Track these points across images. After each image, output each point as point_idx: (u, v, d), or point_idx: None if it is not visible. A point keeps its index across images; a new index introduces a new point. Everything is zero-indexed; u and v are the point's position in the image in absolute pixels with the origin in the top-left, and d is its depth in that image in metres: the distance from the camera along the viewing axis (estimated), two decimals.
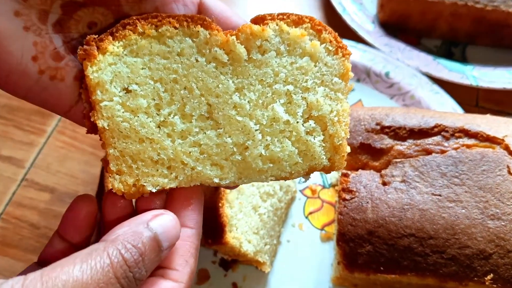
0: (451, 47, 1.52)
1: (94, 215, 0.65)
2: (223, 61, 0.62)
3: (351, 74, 0.65)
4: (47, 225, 1.21)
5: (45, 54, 0.57)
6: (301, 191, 1.24)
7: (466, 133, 1.03)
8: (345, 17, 1.51)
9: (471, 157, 0.99)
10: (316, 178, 1.26)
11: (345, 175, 1.04)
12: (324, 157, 0.65)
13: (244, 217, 1.03)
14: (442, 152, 1.01)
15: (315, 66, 0.64)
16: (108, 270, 0.50)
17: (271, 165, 0.64)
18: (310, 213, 1.21)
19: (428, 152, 1.02)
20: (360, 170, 1.05)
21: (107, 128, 0.60)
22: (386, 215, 0.96)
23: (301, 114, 0.64)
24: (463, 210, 0.94)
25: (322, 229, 1.19)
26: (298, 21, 0.64)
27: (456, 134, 1.03)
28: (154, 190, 0.62)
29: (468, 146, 1.01)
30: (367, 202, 0.98)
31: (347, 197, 1.00)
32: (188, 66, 0.62)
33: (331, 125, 0.64)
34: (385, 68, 1.39)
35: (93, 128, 0.61)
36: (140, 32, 0.60)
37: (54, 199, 1.24)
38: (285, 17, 0.64)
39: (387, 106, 1.13)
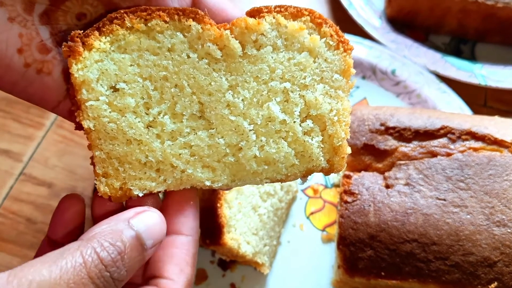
0: (460, 44, 1.48)
1: (82, 214, 0.63)
2: (216, 57, 0.59)
3: (353, 71, 0.62)
4: (44, 221, 1.19)
5: (31, 47, 0.55)
6: (302, 190, 1.22)
7: (473, 135, 1.00)
8: (352, 12, 1.47)
9: (478, 161, 0.96)
10: (318, 177, 1.24)
11: (347, 176, 1.01)
12: (323, 159, 0.62)
13: (243, 217, 1.01)
14: (448, 155, 0.99)
15: (314, 62, 0.61)
16: (81, 269, 0.47)
17: (266, 167, 0.61)
18: (312, 213, 1.19)
19: (433, 154, 0.99)
20: (362, 171, 1.02)
21: (93, 129, 0.57)
22: (389, 219, 0.93)
23: (299, 113, 0.61)
24: (468, 216, 0.91)
25: (323, 230, 1.16)
26: (296, 13, 0.61)
27: (463, 137, 1.00)
28: (141, 194, 0.60)
29: (475, 149, 0.98)
30: (369, 205, 0.96)
31: (349, 199, 0.97)
32: (179, 62, 0.59)
33: (331, 125, 0.61)
34: (391, 65, 1.36)
35: (80, 125, 0.59)
36: (128, 26, 0.57)
37: (52, 194, 1.22)
38: (282, 9, 0.61)
39: (392, 106, 1.10)
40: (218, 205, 0.94)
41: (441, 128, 1.01)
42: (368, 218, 0.94)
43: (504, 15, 1.37)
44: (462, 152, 0.98)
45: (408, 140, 1.02)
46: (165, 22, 0.58)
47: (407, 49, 1.41)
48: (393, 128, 1.03)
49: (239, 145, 0.61)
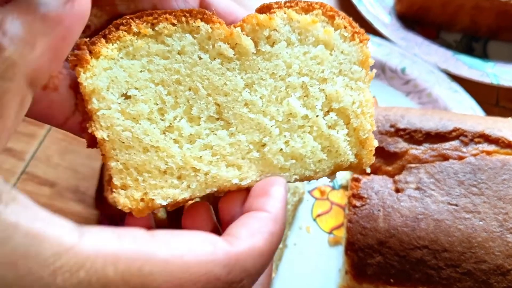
0: (472, 42, 1.45)
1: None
2: (228, 56, 0.57)
3: (371, 61, 0.60)
4: None
5: None
6: (309, 192, 1.19)
7: (486, 138, 0.97)
8: (361, 8, 1.44)
9: (491, 165, 0.93)
10: (324, 178, 1.21)
11: (356, 179, 0.98)
12: (351, 153, 0.60)
13: None
14: (460, 158, 0.96)
15: (331, 54, 0.59)
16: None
17: (294, 161, 0.59)
18: (318, 215, 1.16)
19: (445, 157, 0.97)
20: (372, 174, 0.99)
21: (107, 139, 0.55)
22: (399, 224, 0.91)
23: (321, 107, 0.59)
24: (481, 222, 0.88)
25: (330, 232, 1.14)
26: (307, 8, 0.59)
27: (476, 139, 0.97)
28: (164, 203, 0.57)
29: (488, 153, 0.95)
30: (379, 210, 0.93)
31: (358, 204, 0.95)
32: (191, 64, 0.56)
33: (355, 117, 0.60)
34: (401, 63, 1.33)
35: (92, 142, 0.56)
36: (135, 32, 0.55)
37: (54, 193, 1.20)
38: (293, 4, 0.59)
39: (402, 107, 1.07)
40: None
41: (453, 130, 0.98)
42: (377, 223, 0.92)
43: None
44: (474, 155, 0.95)
45: (419, 143, 0.99)
46: (173, 25, 0.56)
47: (417, 46, 1.37)
48: (404, 130, 1.00)
49: (263, 141, 0.59)
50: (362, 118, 0.60)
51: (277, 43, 0.58)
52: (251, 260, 0.45)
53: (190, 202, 0.62)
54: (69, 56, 0.53)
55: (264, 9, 0.59)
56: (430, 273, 0.88)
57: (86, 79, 0.53)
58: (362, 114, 0.60)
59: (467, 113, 1.23)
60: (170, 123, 0.57)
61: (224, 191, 0.59)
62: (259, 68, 0.58)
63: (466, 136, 0.97)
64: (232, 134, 0.58)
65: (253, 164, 0.59)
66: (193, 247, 0.42)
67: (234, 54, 0.57)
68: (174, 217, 0.95)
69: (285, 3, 0.59)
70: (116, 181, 0.56)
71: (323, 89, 0.59)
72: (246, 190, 0.58)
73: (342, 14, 0.60)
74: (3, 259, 0.34)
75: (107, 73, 0.54)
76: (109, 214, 1.16)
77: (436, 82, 1.30)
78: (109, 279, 0.37)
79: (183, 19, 0.56)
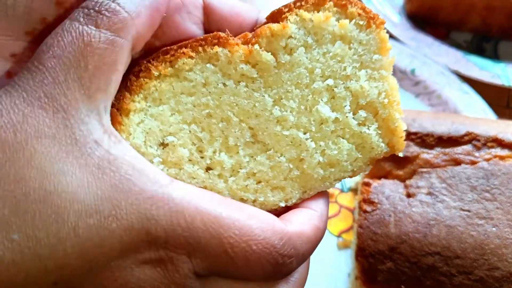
0: (483, 42, 1.43)
1: None
2: (252, 76, 0.56)
3: (390, 45, 0.58)
4: None
5: None
6: None
7: (500, 143, 0.96)
8: (369, 6, 1.42)
9: (504, 170, 0.92)
10: None
11: (366, 184, 0.97)
12: (383, 144, 0.58)
13: None
14: (473, 163, 0.94)
15: (350, 48, 0.57)
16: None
17: (332, 169, 0.58)
18: None
19: (457, 162, 0.95)
20: (382, 179, 0.98)
21: None
22: (410, 230, 0.89)
23: (349, 107, 0.58)
24: (494, 229, 0.87)
25: (339, 236, 1.13)
26: (318, 2, 0.56)
27: (488, 144, 0.96)
28: None
29: (502, 158, 0.94)
30: (390, 215, 0.92)
31: (368, 208, 0.94)
32: (218, 94, 0.55)
33: (382, 108, 0.58)
34: (411, 64, 1.31)
35: None
36: (156, 76, 0.54)
37: None
38: (303, 2, 0.56)
39: (413, 110, 1.06)
40: None
41: (466, 135, 0.97)
42: (389, 229, 0.90)
43: None
44: (487, 160, 0.94)
45: (430, 147, 0.98)
46: (191, 58, 0.55)
47: (427, 47, 1.36)
48: (415, 133, 0.99)
49: (301, 156, 0.57)
50: (389, 108, 0.58)
51: (296, 50, 0.56)
52: (300, 242, 0.49)
53: None
54: None
55: (275, 16, 0.57)
56: (442, 280, 0.87)
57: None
58: (389, 104, 0.58)
59: (477, 115, 1.21)
60: (211, 159, 0.56)
61: None
62: (283, 81, 0.56)
63: (478, 140, 0.96)
64: (271, 156, 0.57)
65: (295, 182, 0.58)
66: (257, 215, 0.48)
67: (257, 73, 0.56)
68: None
69: (294, 3, 0.57)
70: None
71: (348, 87, 0.57)
72: None
73: (354, 0, 0.57)
74: (116, 181, 0.42)
75: (140, 127, 0.53)
76: None
77: (446, 83, 1.28)
78: (187, 222, 0.44)
79: (200, 48, 0.55)
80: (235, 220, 0.45)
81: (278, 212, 0.59)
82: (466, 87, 1.26)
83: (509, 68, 1.33)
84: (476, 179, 0.92)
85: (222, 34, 0.55)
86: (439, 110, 1.26)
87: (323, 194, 0.58)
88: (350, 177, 0.60)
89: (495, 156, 0.94)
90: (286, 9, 0.56)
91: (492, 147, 0.95)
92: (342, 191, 1.18)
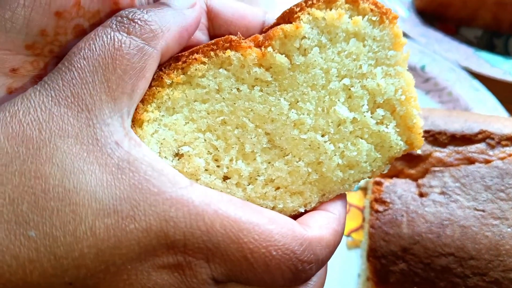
0: (493, 38, 1.41)
1: None
2: (266, 80, 0.54)
3: (404, 40, 0.56)
4: None
5: None
6: None
7: None
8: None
9: None
10: None
11: (377, 183, 0.95)
12: (402, 143, 0.57)
13: None
14: (487, 162, 0.92)
15: (364, 46, 0.55)
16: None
17: (352, 171, 0.56)
18: None
19: (470, 161, 0.93)
20: (394, 178, 0.96)
21: None
22: (423, 231, 0.88)
23: (367, 106, 0.56)
24: (509, 229, 0.85)
25: (348, 235, 1.11)
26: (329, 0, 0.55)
27: (503, 142, 0.94)
28: None
29: None
30: (402, 215, 0.90)
31: (380, 208, 0.92)
32: (232, 100, 0.54)
33: (400, 105, 0.56)
34: (421, 61, 1.29)
35: None
36: (168, 84, 0.52)
37: None
38: (314, 1, 0.55)
39: (425, 108, 1.04)
40: None
41: (479, 133, 0.95)
42: (401, 229, 0.89)
43: None
44: (502, 159, 0.92)
45: (443, 145, 0.96)
46: (203, 63, 0.53)
47: (437, 43, 1.34)
48: (427, 131, 0.97)
49: (319, 160, 0.56)
50: (407, 105, 0.56)
51: (310, 51, 0.54)
52: (320, 248, 0.48)
53: None
54: None
55: (286, 16, 0.55)
56: (455, 281, 0.85)
57: None
58: (407, 100, 0.56)
59: (489, 112, 1.19)
60: (228, 168, 0.54)
61: None
62: (298, 83, 0.54)
63: (492, 138, 0.94)
64: (289, 161, 0.55)
65: (314, 186, 0.56)
66: (277, 220, 0.47)
67: (271, 77, 0.54)
68: None
69: (306, 1, 0.55)
70: None
71: (365, 85, 0.56)
72: None
73: None
74: (135, 181, 0.42)
75: (154, 138, 0.52)
76: None
77: (457, 80, 1.26)
78: (206, 225, 0.43)
79: (212, 53, 0.53)
80: (255, 224, 0.45)
81: (296, 215, 0.57)
82: (477, 84, 1.24)
83: None
84: (491, 178, 0.90)
85: (233, 37, 0.54)
86: (449, 108, 1.24)
87: (341, 196, 0.57)
88: (369, 177, 0.58)
89: (510, 155, 0.92)
90: (298, 9, 0.55)
91: (506, 145, 0.93)
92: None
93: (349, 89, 0.56)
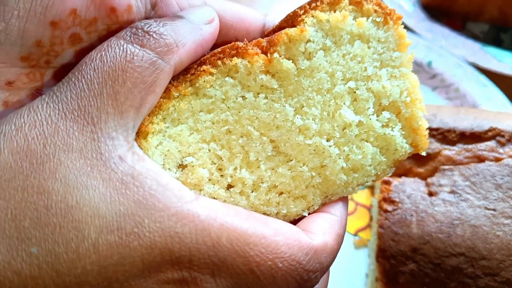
0: (500, 33, 1.39)
1: None
2: (272, 87, 0.53)
3: (409, 41, 0.56)
4: None
5: None
6: None
7: None
8: None
9: None
10: None
11: (386, 182, 0.94)
12: (407, 145, 0.56)
13: None
14: (497, 160, 0.91)
15: (369, 47, 0.55)
16: None
17: (356, 174, 0.56)
18: None
19: (480, 159, 0.92)
20: (403, 177, 0.95)
21: None
22: (433, 230, 0.86)
23: (372, 109, 0.55)
24: None
25: (355, 234, 1.10)
26: (333, 1, 0.54)
27: None
28: None
29: None
30: (412, 215, 0.89)
31: (389, 208, 0.90)
32: (237, 109, 0.53)
33: (405, 107, 0.55)
34: (427, 57, 1.27)
35: None
36: (175, 96, 0.52)
37: None
38: (318, 3, 0.54)
39: (433, 105, 1.02)
40: None
41: (489, 130, 0.93)
42: (411, 229, 0.87)
43: None
44: None
45: (452, 143, 0.95)
46: (212, 74, 0.52)
47: (444, 39, 1.32)
48: (436, 129, 0.95)
49: (323, 163, 0.55)
50: (412, 107, 0.55)
51: (315, 54, 0.53)
52: (325, 255, 0.48)
53: None
54: None
55: (290, 19, 0.54)
56: (466, 282, 0.84)
57: None
58: (412, 102, 0.55)
59: (497, 109, 1.17)
60: (232, 178, 0.54)
61: None
62: (303, 88, 0.54)
63: (503, 136, 0.92)
64: (292, 167, 0.55)
65: (317, 189, 0.55)
66: (282, 230, 0.46)
67: (277, 84, 0.53)
68: None
69: (309, 4, 0.54)
70: None
71: (370, 88, 0.55)
72: None
73: None
74: (139, 197, 0.41)
75: (158, 150, 0.51)
76: None
77: (464, 76, 1.24)
78: (212, 240, 0.42)
79: (219, 62, 0.52)
80: (261, 237, 0.44)
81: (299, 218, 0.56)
82: (484, 80, 1.23)
83: None
84: (501, 177, 0.88)
85: (240, 44, 0.53)
86: (456, 104, 1.23)
87: (342, 198, 0.57)
88: (374, 181, 0.58)
89: None
90: (302, 11, 0.54)
91: None
92: None
93: (355, 92, 0.55)
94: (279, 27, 0.55)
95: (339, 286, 1.04)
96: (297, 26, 0.53)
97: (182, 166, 0.52)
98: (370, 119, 0.55)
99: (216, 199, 0.52)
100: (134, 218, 0.41)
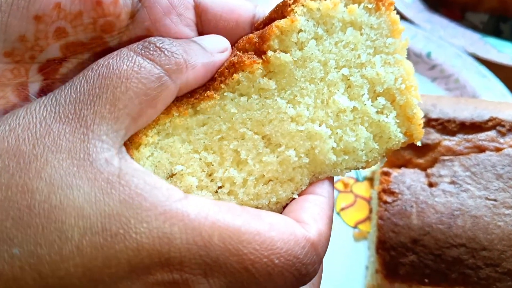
0: (500, 23, 1.38)
1: None
2: (270, 88, 0.52)
3: (402, 27, 0.55)
4: None
5: None
6: None
7: None
8: None
9: None
10: None
11: (385, 173, 0.93)
12: (401, 135, 0.55)
13: None
14: (497, 150, 0.90)
15: (361, 34, 0.54)
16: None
17: (346, 157, 0.55)
18: (342, 209, 1.11)
19: (481, 149, 0.91)
20: (402, 168, 0.94)
21: None
22: (433, 221, 0.85)
23: (367, 95, 0.54)
24: None
25: (355, 227, 1.09)
26: None
27: None
28: None
29: None
30: (412, 206, 0.88)
31: (389, 199, 0.90)
32: (230, 116, 0.52)
33: (400, 94, 0.55)
34: (426, 47, 1.26)
35: None
36: (175, 115, 0.51)
37: None
38: None
39: (433, 95, 1.01)
40: None
41: (489, 120, 0.93)
42: (411, 220, 0.87)
43: None
44: None
45: (452, 133, 0.94)
46: (214, 99, 0.52)
47: (443, 29, 1.31)
48: (436, 120, 0.95)
49: (313, 145, 0.54)
50: (407, 94, 0.55)
51: (307, 44, 0.52)
52: (321, 245, 0.47)
53: None
54: None
55: (280, 10, 0.53)
56: (467, 272, 0.83)
57: None
58: (407, 89, 0.55)
59: (497, 99, 1.17)
60: (221, 180, 0.53)
61: None
62: (296, 80, 0.53)
63: (503, 126, 0.92)
64: (280, 153, 0.53)
65: (305, 169, 0.54)
66: (277, 225, 0.45)
67: (275, 84, 0.53)
68: None
69: None
70: None
71: (364, 75, 0.54)
72: None
73: None
74: (125, 196, 0.40)
75: (149, 160, 0.50)
76: None
77: (464, 67, 1.23)
78: (203, 239, 0.40)
79: (222, 85, 0.52)
80: (256, 234, 0.42)
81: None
82: (484, 70, 1.22)
83: None
84: (502, 167, 0.88)
85: (235, 59, 0.52)
86: (456, 95, 1.22)
87: (329, 177, 0.55)
88: (363, 168, 0.57)
89: None
90: (291, 1, 0.53)
91: None
92: (357, 180, 1.15)
93: (348, 79, 0.54)
94: (269, 18, 0.54)
95: (339, 279, 1.03)
96: (287, 17, 0.52)
97: (172, 175, 0.52)
98: (365, 104, 0.54)
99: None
100: (119, 219, 0.39)
